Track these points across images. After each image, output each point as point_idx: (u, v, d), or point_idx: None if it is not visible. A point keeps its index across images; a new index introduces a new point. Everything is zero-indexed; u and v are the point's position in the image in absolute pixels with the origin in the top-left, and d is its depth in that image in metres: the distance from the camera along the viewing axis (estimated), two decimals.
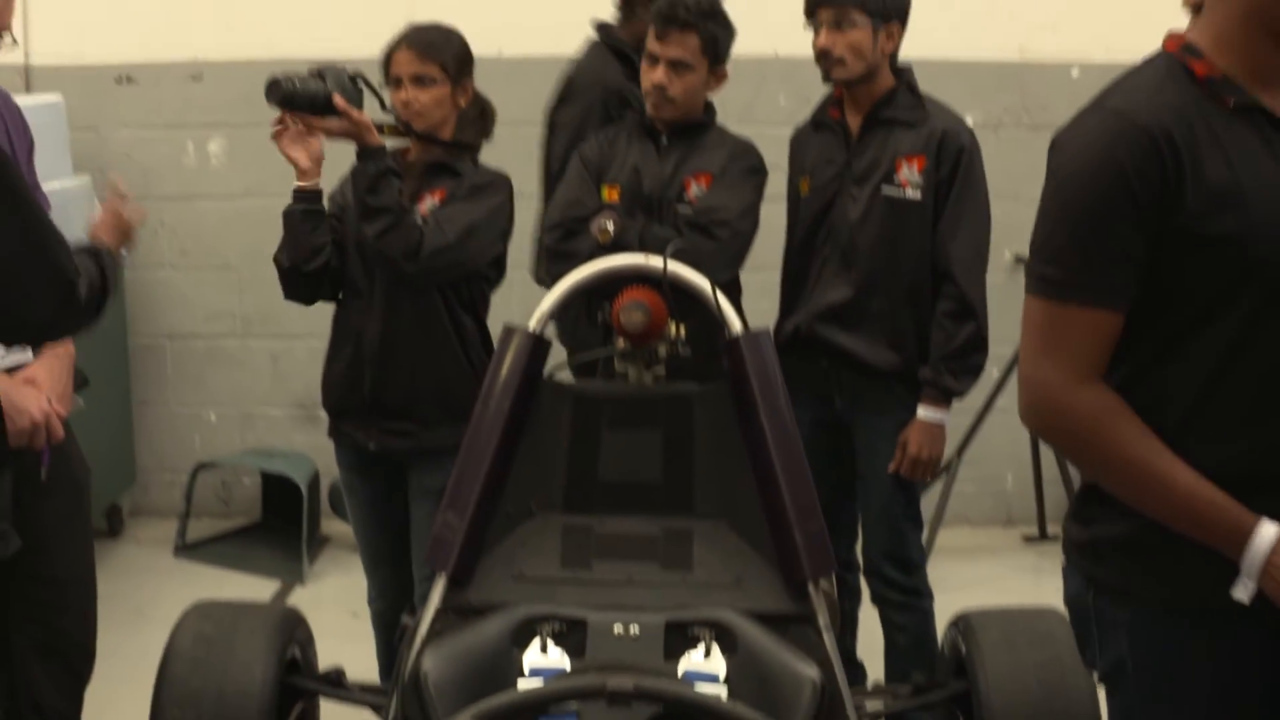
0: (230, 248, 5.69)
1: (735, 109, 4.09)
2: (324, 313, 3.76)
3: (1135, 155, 1.93)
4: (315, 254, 3.53)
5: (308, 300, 3.68)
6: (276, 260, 3.59)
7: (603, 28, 4.36)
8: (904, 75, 3.71)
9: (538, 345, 2.83)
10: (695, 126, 3.83)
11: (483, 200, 3.55)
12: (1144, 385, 2.02)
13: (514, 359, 2.80)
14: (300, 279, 3.57)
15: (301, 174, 3.50)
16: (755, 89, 5.33)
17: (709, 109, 3.89)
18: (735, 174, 3.74)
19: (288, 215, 3.54)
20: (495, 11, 5.38)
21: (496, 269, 3.66)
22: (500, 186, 3.61)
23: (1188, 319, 1.99)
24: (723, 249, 3.61)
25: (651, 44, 3.73)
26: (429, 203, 3.55)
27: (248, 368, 5.80)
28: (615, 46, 4.29)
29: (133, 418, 5.78)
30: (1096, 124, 2.00)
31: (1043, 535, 5.59)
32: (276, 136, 3.44)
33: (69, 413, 3.06)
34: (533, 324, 2.86)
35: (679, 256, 2.91)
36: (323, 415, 3.77)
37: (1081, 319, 1.99)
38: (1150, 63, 2.06)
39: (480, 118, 3.70)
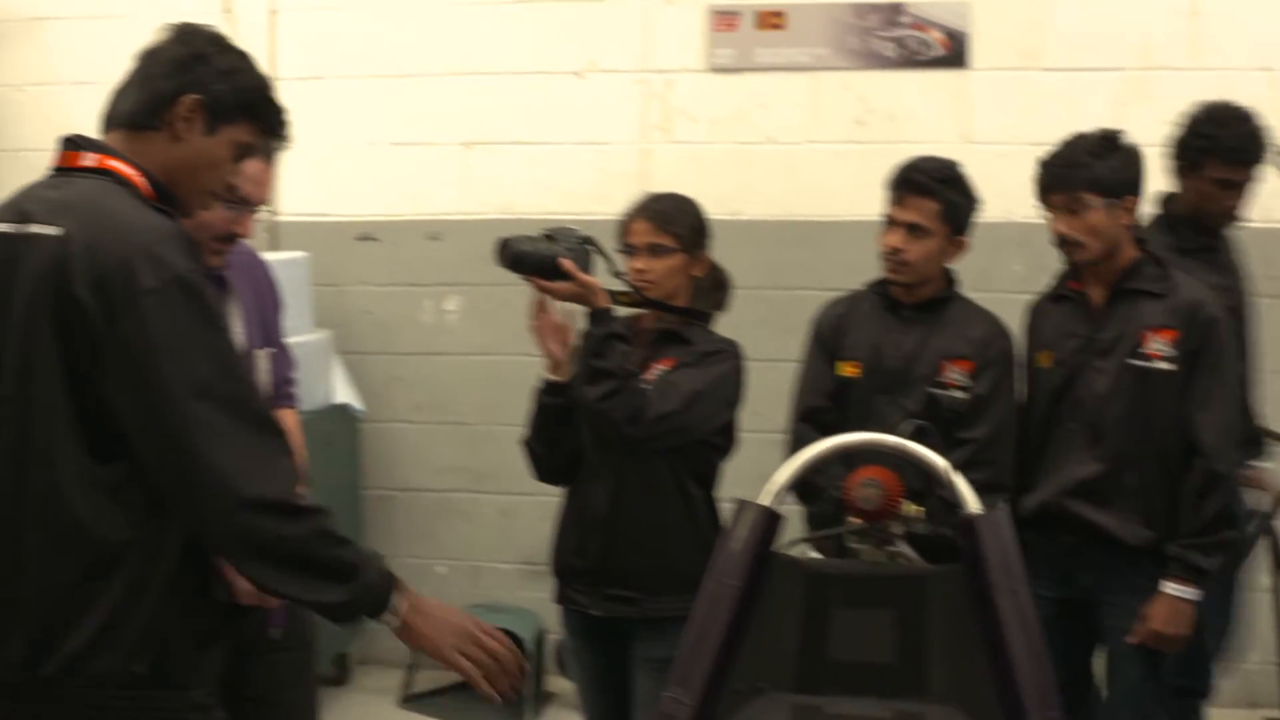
0: (463, 403, 5.81)
1: (970, 275, 4.07)
2: None
3: None
4: (566, 443, 3.58)
5: (561, 483, 3.72)
6: (528, 445, 3.65)
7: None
8: (1147, 245, 3.67)
9: (770, 520, 2.81)
10: (938, 299, 3.82)
11: (710, 367, 3.56)
12: None
13: (746, 532, 2.80)
14: (552, 466, 3.63)
15: (554, 366, 3.55)
16: (990, 255, 5.30)
17: (950, 278, 3.87)
18: (995, 374, 3.74)
19: (540, 409, 3.59)
20: (732, 175, 5.47)
21: (725, 437, 3.65)
22: (729, 354, 3.61)
23: None
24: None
25: (890, 208, 3.76)
26: (658, 370, 3.57)
27: (477, 522, 5.89)
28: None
29: None
30: None
31: None
32: (534, 327, 3.51)
33: None
34: (766, 498, 2.85)
35: (919, 438, 2.88)
36: (550, 572, 3.80)
37: None
38: None
39: (715, 288, 3.73)
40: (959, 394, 3.72)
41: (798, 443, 3.78)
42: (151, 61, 2.48)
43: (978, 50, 5.29)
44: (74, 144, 2.47)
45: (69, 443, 2.29)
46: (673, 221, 3.60)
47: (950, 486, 2.80)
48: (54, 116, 5.85)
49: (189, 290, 2.30)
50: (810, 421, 3.85)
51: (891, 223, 3.75)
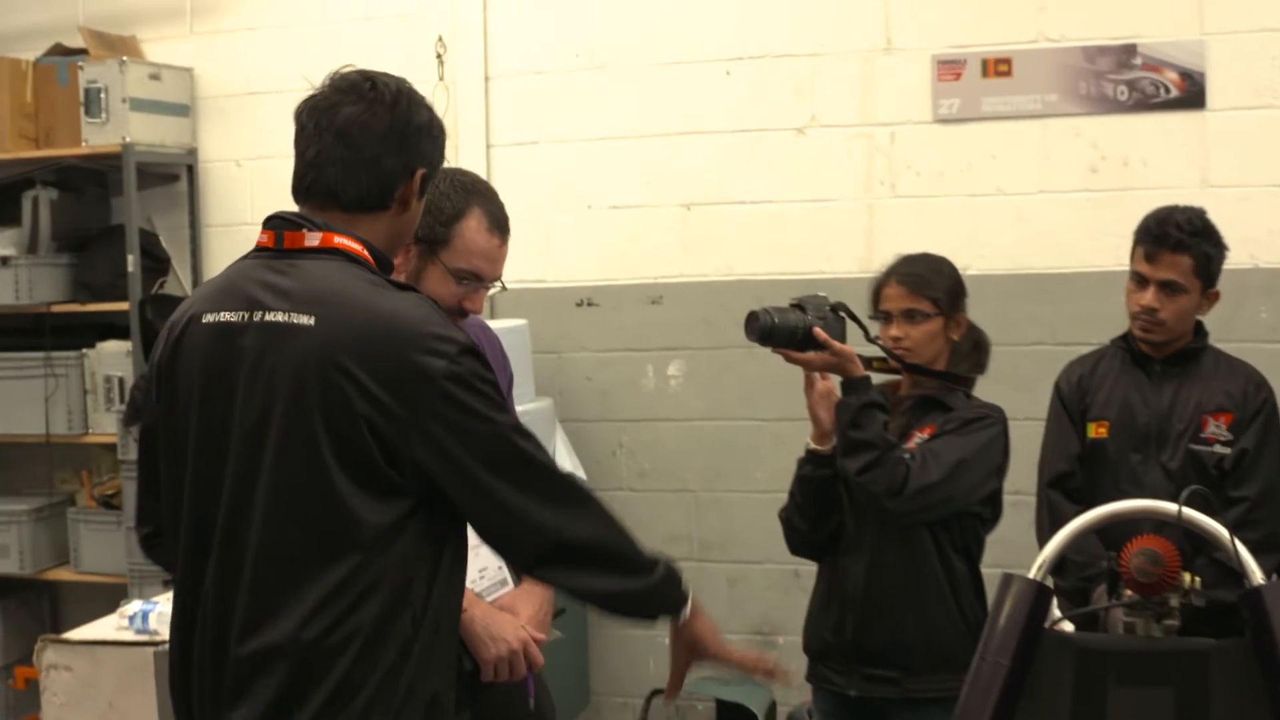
0: (688, 470, 5.77)
1: (1214, 324, 3.96)
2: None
3: None
4: (828, 517, 3.52)
5: (818, 557, 3.67)
6: (786, 519, 3.60)
7: None
8: None
9: (1040, 594, 2.73)
10: (1189, 350, 3.74)
11: (974, 434, 3.49)
12: None
13: (1014, 608, 2.72)
14: (812, 540, 3.58)
15: (820, 435, 3.50)
16: (1235, 303, 5.13)
17: (1200, 330, 3.79)
18: (1260, 427, 3.65)
19: (804, 481, 3.54)
20: (959, 229, 5.38)
21: (990, 508, 3.57)
22: (993, 419, 3.55)
23: None
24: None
25: (1140, 264, 3.66)
26: (918, 439, 3.51)
27: (704, 591, 5.71)
28: None
29: (588, 641, 5.90)
30: None
31: None
32: (807, 390, 3.47)
33: (548, 640, 3.11)
34: (1034, 571, 2.77)
35: (1194, 503, 2.78)
36: (781, 642, 3.74)
37: None
38: None
39: (974, 350, 3.65)
40: (1222, 449, 3.64)
41: (1052, 511, 3.73)
42: (364, 136, 2.43)
43: (1215, 90, 5.15)
44: (291, 223, 2.45)
45: (350, 494, 2.30)
46: (928, 285, 3.56)
47: (1234, 555, 2.69)
48: (268, 190, 6.03)
49: (476, 357, 2.36)
50: (1060, 487, 3.79)
51: (1143, 280, 3.68)
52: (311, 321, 2.31)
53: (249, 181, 6.23)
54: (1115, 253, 5.04)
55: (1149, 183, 5.15)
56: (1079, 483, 3.79)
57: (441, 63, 5.87)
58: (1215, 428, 3.67)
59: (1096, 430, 3.78)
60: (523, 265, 5.83)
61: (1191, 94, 5.16)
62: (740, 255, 5.65)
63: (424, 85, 6.01)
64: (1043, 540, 3.79)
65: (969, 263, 5.24)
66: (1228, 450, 3.66)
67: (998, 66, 5.33)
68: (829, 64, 5.54)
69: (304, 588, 2.30)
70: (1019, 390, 5.16)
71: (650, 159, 5.75)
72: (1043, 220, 5.35)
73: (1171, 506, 2.76)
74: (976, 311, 5.14)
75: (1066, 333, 5.21)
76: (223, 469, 2.36)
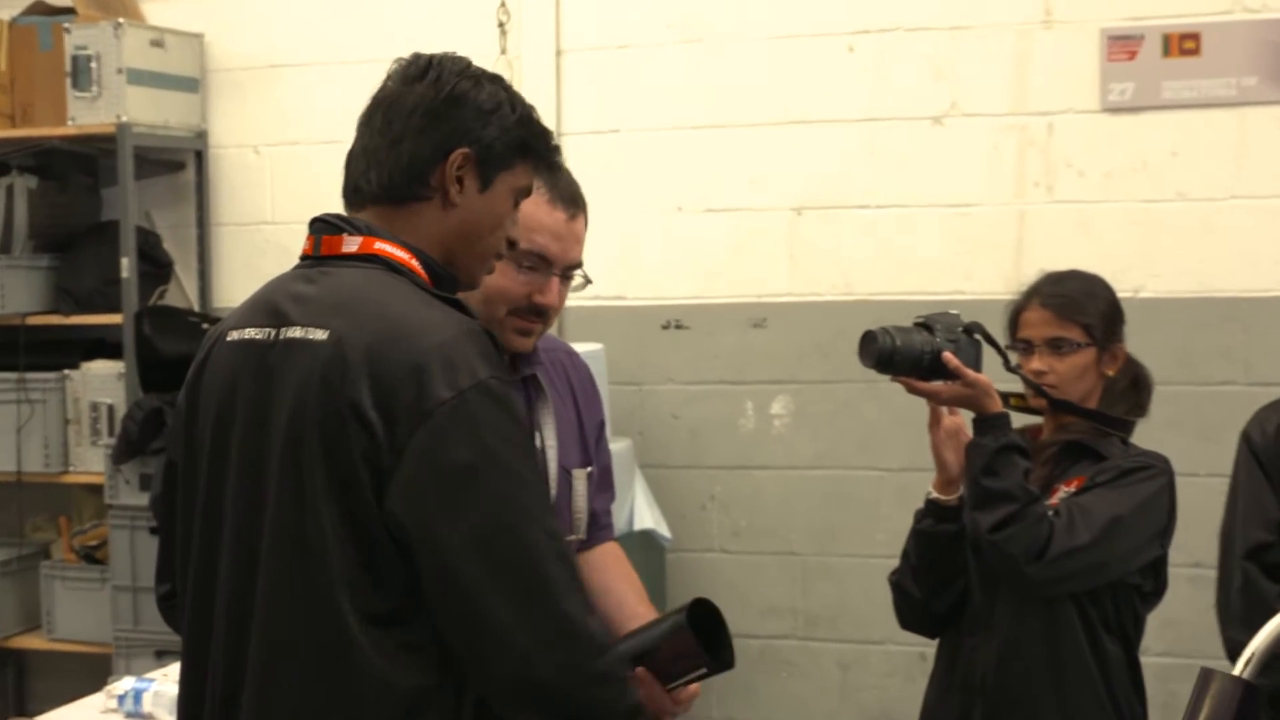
0: (794, 529, 5.74)
1: None
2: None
3: None
4: (950, 583, 3.47)
5: (937, 634, 3.62)
6: (898, 584, 3.55)
7: None
8: None
9: (1248, 696, 2.63)
10: None
11: (1132, 488, 3.43)
12: None
13: (1213, 712, 2.62)
14: (929, 611, 3.53)
15: (944, 483, 3.46)
16: None
17: None
18: None
19: (922, 538, 3.50)
20: (1132, 242, 5.31)
21: (1153, 579, 3.51)
22: (1157, 471, 3.48)
23: None
24: None
25: None
26: (1063, 492, 3.45)
27: (810, 677, 5.79)
28: None
29: None
30: None
31: None
32: (931, 427, 3.42)
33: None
34: (1240, 667, 2.67)
35: None
36: None
37: None
38: None
39: (1133, 388, 3.60)
40: None
41: (1248, 590, 3.66)
42: (394, 114, 2.46)
43: None
44: (331, 226, 2.46)
45: (351, 582, 2.28)
46: (1080, 310, 3.51)
47: None
48: (292, 182, 6.03)
49: (492, 399, 2.29)
50: (1258, 561, 3.69)
51: None
52: (325, 335, 2.32)
53: (269, 172, 6.25)
54: None
55: None
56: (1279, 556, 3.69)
57: (504, 33, 5.89)
58: None
59: None
60: (598, 278, 5.73)
61: None
62: (861, 270, 5.60)
63: (482, 61, 6.06)
64: (1230, 625, 3.74)
65: (1143, 283, 5.22)
66: None
67: (1183, 43, 5.27)
68: (973, 39, 5.50)
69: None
70: (1202, 439, 5.11)
71: (754, 153, 5.72)
72: (1236, 232, 5.29)
73: None
74: (1153, 342, 5.07)
75: (1263, 369, 5.17)
76: (223, 514, 2.40)
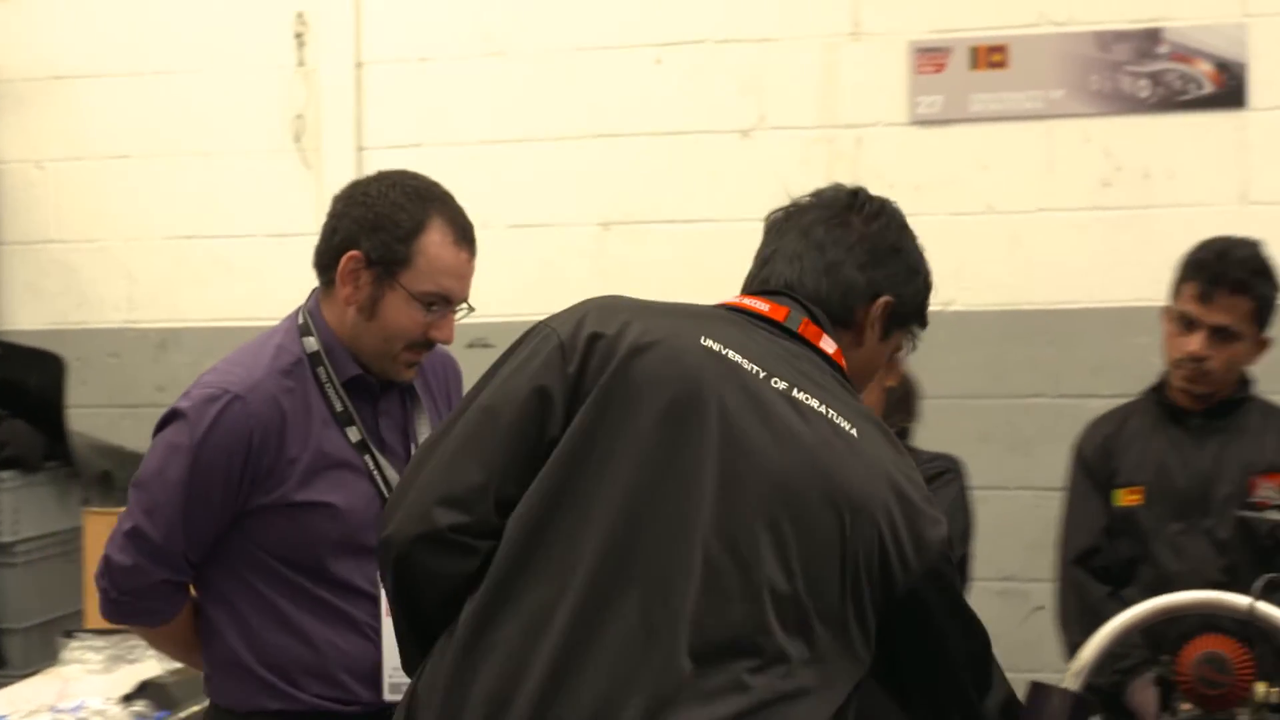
0: None
1: (1259, 371, 3.98)
2: None
3: None
4: None
5: None
6: None
7: None
8: None
9: (1079, 709, 2.64)
10: (1231, 403, 3.84)
11: (938, 495, 3.41)
12: None
13: None
14: None
15: None
16: None
17: (1244, 379, 3.89)
18: None
19: None
20: (941, 255, 5.29)
21: (961, 580, 3.52)
22: (953, 474, 3.56)
23: None
24: None
25: (1189, 304, 3.73)
26: None
27: None
28: None
29: None
30: None
31: None
32: None
33: None
34: (1069, 678, 2.68)
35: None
36: None
37: None
38: None
39: (906, 398, 3.76)
40: (1276, 515, 3.71)
41: (1079, 593, 3.86)
42: (838, 237, 2.50)
43: (1258, 85, 5.15)
44: (810, 313, 2.47)
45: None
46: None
47: None
48: (81, 201, 5.85)
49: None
50: (1086, 565, 3.88)
51: (1191, 323, 3.75)
52: (855, 432, 2.35)
53: (53, 188, 6.00)
54: (1132, 285, 5.04)
55: (1175, 199, 5.15)
56: (1107, 559, 3.88)
57: (301, 44, 5.75)
58: (1267, 490, 3.74)
59: (1127, 498, 3.85)
60: None
61: (1229, 89, 5.15)
62: (672, 287, 5.47)
63: (279, 73, 5.99)
64: (1067, 628, 3.90)
65: (953, 296, 5.22)
66: None
67: (990, 56, 5.31)
68: (782, 52, 5.50)
69: None
70: (1013, 452, 5.14)
71: (561, 167, 5.68)
72: (1044, 245, 5.33)
73: (1241, 600, 2.68)
74: (964, 356, 5.11)
75: (1072, 382, 5.20)
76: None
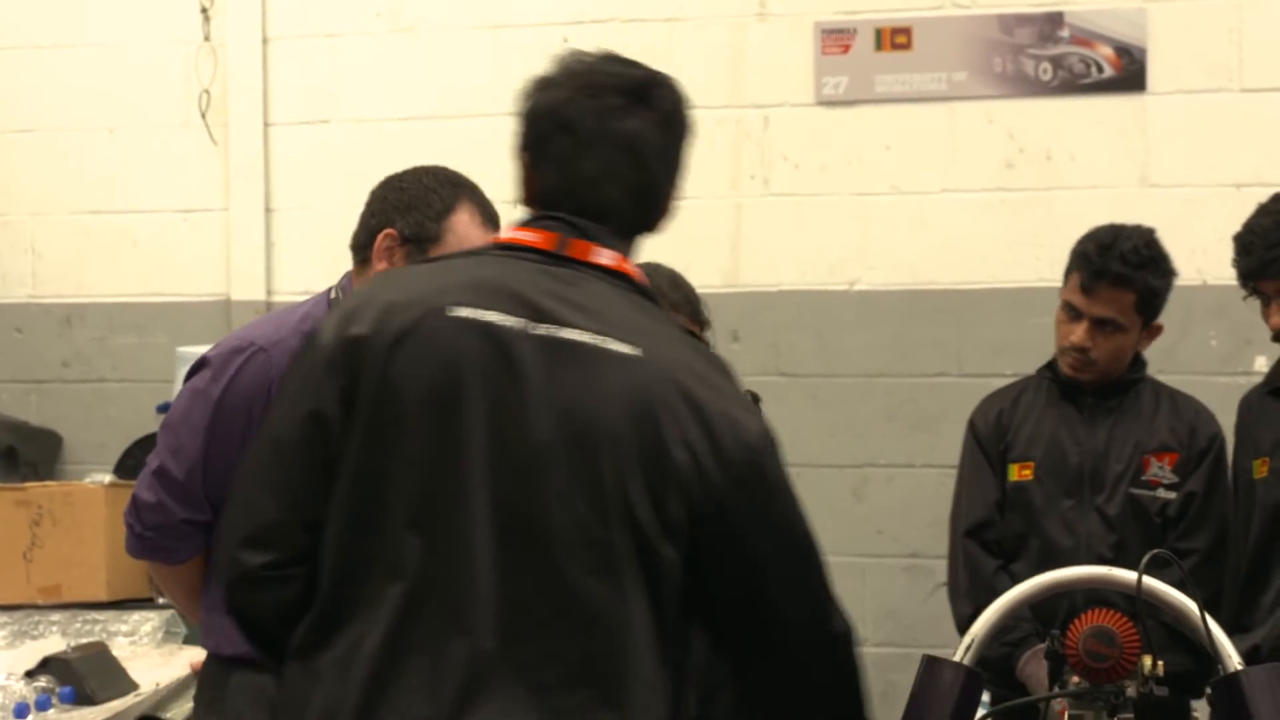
0: None
1: (1155, 353, 4.02)
2: None
3: None
4: None
5: None
6: None
7: None
8: None
9: (969, 682, 2.69)
10: (1125, 381, 3.88)
11: None
12: None
13: (939, 701, 2.67)
14: None
15: None
16: (1180, 328, 5.16)
17: (1138, 360, 3.93)
18: (1208, 469, 3.78)
19: None
20: (846, 235, 5.35)
21: None
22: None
23: None
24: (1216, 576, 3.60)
25: (1073, 295, 3.77)
26: None
27: None
28: None
29: None
30: None
31: None
32: None
33: None
34: (960, 653, 2.73)
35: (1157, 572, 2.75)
36: None
37: None
38: None
39: None
40: (1166, 494, 3.78)
41: (970, 565, 3.89)
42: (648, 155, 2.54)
43: (1157, 69, 5.21)
44: (580, 230, 2.45)
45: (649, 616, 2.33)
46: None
47: (1205, 635, 2.67)
48: None
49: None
50: (978, 538, 3.90)
51: (1076, 313, 3.78)
52: (637, 352, 2.35)
53: None
54: (1034, 266, 5.10)
55: (1076, 181, 5.21)
56: (999, 533, 3.91)
57: (208, 19, 5.71)
58: (1158, 469, 3.79)
59: (1020, 472, 3.87)
60: (309, 273, 5.68)
61: (1129, 74, 5.21)
62: None
63: (186, 48, 5.95)
64: (958, 601, 3.93)
65: (858, 275, 5.28)
66: (1172, 495, 3.80)
67: (895, 38, 5.34)
68: (688, 31, 5.52)
69: None
70: (917, 430, 5.19)
71: (469, 146, 5.55)
72: (947, 226, 5.38)
73: (1129, 576, 2.73)
74: (869, 335, 5.16)
75: (975, 362, 5.25)
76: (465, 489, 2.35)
